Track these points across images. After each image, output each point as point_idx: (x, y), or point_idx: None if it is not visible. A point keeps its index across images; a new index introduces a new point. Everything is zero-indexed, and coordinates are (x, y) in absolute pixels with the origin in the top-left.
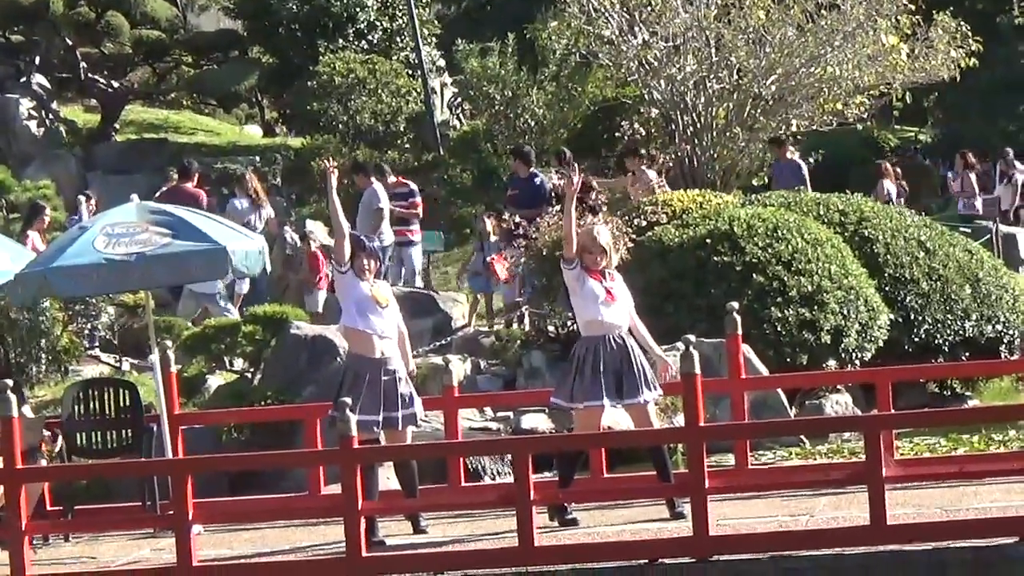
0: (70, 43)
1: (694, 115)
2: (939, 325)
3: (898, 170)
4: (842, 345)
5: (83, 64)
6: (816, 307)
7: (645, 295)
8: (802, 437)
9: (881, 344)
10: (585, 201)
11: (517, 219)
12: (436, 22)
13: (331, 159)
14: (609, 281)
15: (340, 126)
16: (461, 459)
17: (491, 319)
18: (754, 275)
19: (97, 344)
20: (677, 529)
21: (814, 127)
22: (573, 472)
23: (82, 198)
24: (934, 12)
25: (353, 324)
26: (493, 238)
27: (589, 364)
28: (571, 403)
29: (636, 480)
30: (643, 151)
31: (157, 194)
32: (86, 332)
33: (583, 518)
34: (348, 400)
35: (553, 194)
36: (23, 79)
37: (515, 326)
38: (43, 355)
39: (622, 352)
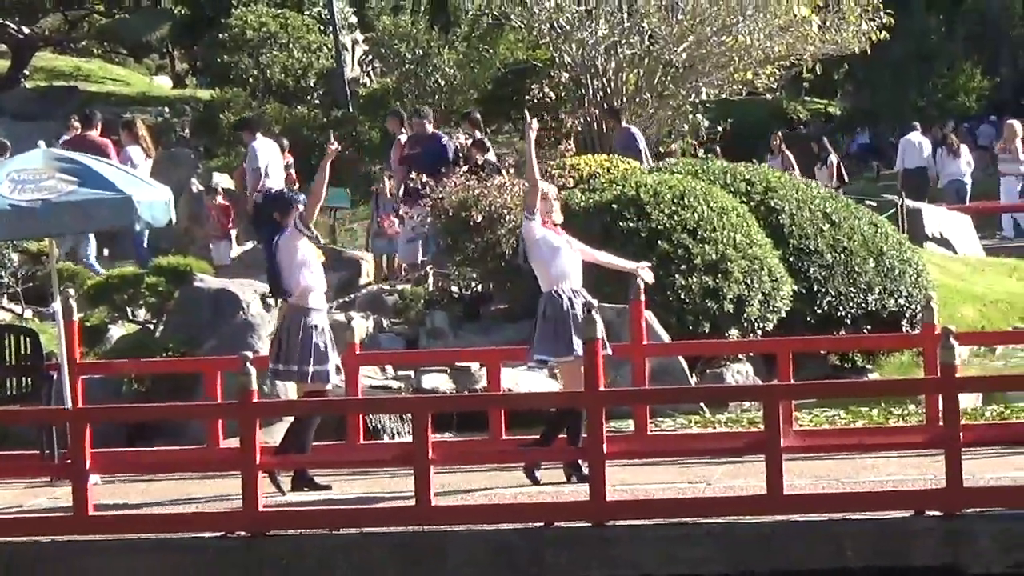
0: None
1: (604, 80)
2: (842, 297)
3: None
4: (745, 314)
5: None
6: (720, 276)
7: None
8: (702, 405)
9: (783, 315)
10: (483, 163)
11: (424, 178)
12: None
13: (332, 140)
14: (565, 234)
15: (250, 80)
16: (360, 416)
17: (394, 278)
18: (659, 242)
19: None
20: (574, 493)
21: (724, 96)
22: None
23: None
24: None
25: (308, 281)
26: (388, 196)
27: (568, 315)
28: (558, 356)
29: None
30: (476, 115)
31: (60, 143)
32: None
33: (480, 480)
34: (248, 354)
35: (461, 155)
36: None
37: (419, 286)
38: None
39: (579, 304)
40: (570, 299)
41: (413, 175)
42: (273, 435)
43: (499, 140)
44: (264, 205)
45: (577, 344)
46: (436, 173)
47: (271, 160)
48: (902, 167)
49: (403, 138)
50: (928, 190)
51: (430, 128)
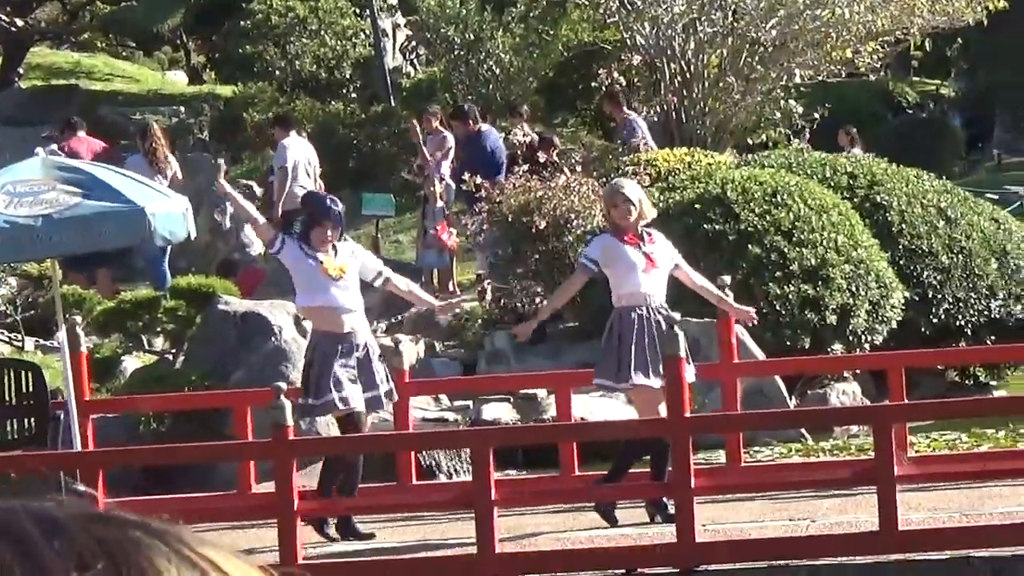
0: None
1: (682, 63)
2: (961, 304)
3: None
4: (850, 326)
5: None
6: (820, 283)
7: None
8: (803, 431)
9: (894, 325)
10: (546, 161)
11: (478, 181)
12: None
13: (218, 160)
14: (648, 244)
15: (277, 72)
16: (412, 454)
17: (447, 295)
18: (750, 246)
19: None
20: (659, 535)
21: (820, 78)
22: (629, 465)
23: None
24: None
25: (309, 302)
26: (439, 203)
27: (634, 336)
28: (619, 382)
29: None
30: (524, 108)
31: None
32: None
33: (550, 523)
34: (282, 384)
35: (519, 152)
36: None
37: (476, 303)
38: None
39: (662, 324)
40: (643, 318)
41: (466, 177)
42: (313, 477)
43: (563, 134)
44: (303, 202)
45: (642, 372)
46: (486, 176)
47: (302, 162)
48: None
49: (448, 137)
50: None
51: (477, 126)
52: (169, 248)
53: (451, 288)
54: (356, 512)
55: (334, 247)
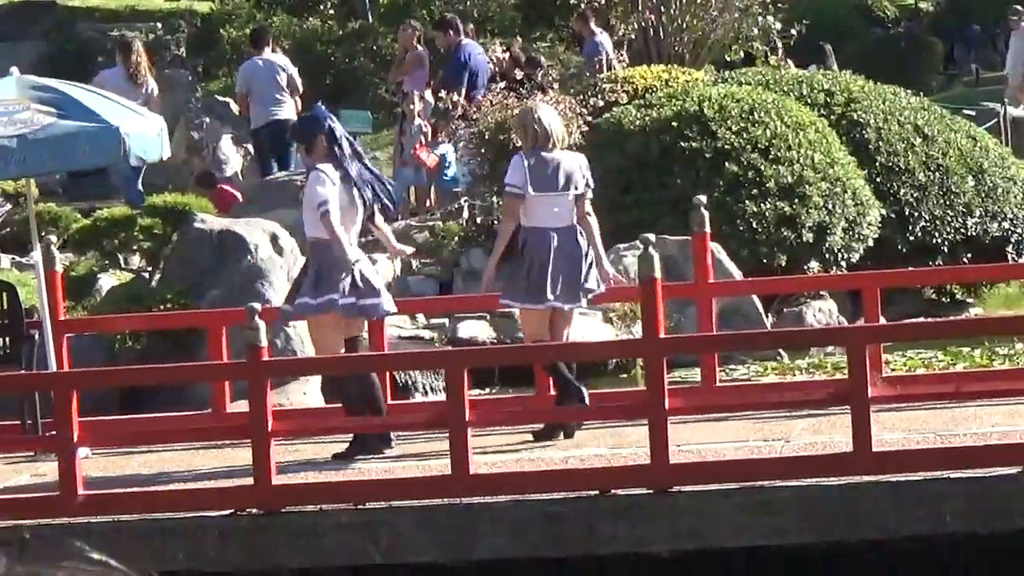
0: None
1: None
2: (937, 222)
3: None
4: (826, 244)
5: None
6: (797, 200)
7: (601, 186)
8: (779, 350)
9: (871, 243)
10: (532, 78)
11: (455, 97)
12: None
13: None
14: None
15: None
16: (388, 373)
17: (424, 212)
18: (726, 163)
19: None
20: (632, 456)
21: None
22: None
23: None
24: None
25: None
26: (417, 121)
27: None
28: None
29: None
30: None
31: None
32: None
33: (527, 442)
34: (256, 305)
35: (497, 70)
36: None
37: (453, 220)
38: None
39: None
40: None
41: (443, 94)
42: (288, 396)
43: (540, 50)
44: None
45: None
46: (457, 89)
47: (269, 81)
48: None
49: (424, 55)
50: None
51: (459, 38)
52: (143, 166)
53: (428, 205)
54: (330, 432)
55: None
